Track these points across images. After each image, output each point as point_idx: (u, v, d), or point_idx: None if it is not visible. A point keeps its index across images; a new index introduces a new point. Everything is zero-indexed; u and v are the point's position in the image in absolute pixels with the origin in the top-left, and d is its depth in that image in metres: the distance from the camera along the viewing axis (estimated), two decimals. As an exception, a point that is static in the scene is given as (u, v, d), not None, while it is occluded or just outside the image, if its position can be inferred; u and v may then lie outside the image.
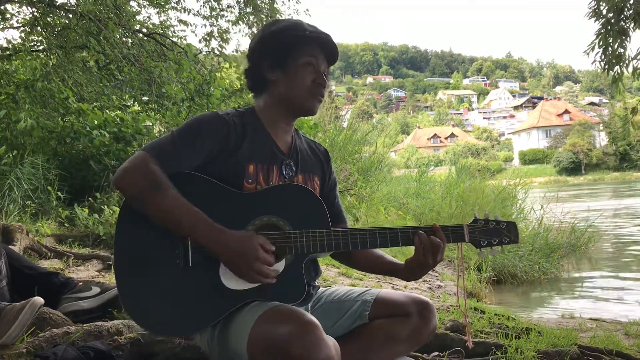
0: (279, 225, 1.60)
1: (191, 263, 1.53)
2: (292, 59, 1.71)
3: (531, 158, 67.18)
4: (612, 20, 5.44)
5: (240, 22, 9.27)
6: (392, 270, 1.79)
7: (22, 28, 8.85)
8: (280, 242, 1.58)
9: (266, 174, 1.69)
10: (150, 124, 7.20)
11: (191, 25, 9.61)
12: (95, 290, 2.47)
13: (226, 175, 1.62)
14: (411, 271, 1.71)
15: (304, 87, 1.71)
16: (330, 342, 1.38)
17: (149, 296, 1.54)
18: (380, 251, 1.85)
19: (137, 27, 8.97)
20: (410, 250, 1.71)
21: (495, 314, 3.49)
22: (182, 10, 9.34)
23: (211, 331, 1.58)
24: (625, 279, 7.05)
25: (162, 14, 9.73)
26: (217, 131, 1.64)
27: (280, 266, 1.57)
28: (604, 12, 5.50)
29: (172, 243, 1.54)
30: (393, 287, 5.04)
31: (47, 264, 3.53)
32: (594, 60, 5.67)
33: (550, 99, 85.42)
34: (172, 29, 9.87)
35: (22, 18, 8.83)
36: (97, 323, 2.20)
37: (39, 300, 2.07)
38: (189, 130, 1.63)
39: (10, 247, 3.25)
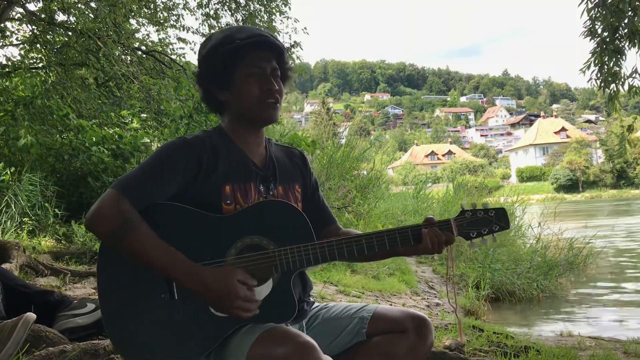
0: (262, 245, 1.57)
1: (177, 296, 1.50)
2: (233, 75, 1.66)
3: (528, 175, 67.29)
4: (607, 39, 5.50)
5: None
6: (390, 252, 1.75)
7: (21, 45, 8.91)
8: (265, 262, 1.54)
9: (244, 193, 1.65)
10: (149, 140, 7.22)
11: (190, 43, 9.66)
12: (90, 306, 2.46)
13: (203, 199, 1.58)
14: (411, 253, 1.72)
15: (253, 99, 1.66)
16: (328, 361, 1.37)
17: (138, 332, 1.51)
18: None
19: (136, 44, 9.03)
20: None
21: (494, 332, 3.48)
22: (181, 29, 9.42)
23: (206, 358, 1.55)
24: (624, 296, 7.03)
25: (162, 32, 9.81)
26: (187, 157, 1.59)
27: (268, 286, 1.54)
28: (599, 31, 5.57)
29: (156, 277, 1.51)
30: (391, 305, 5.02)
31: (43, 281, 3.52)
32: (590, 79, 5.73)
33: (547, 117, 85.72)
34: (171, 46, 9.95)
35: (22, 35, 8.90)
36: (94, 341, 2.18)
37: (32, 315, 2.06)
38: (158, 160, 1.58)
39: (5, 265, 3.24)
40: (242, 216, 1.59)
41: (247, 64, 1.66)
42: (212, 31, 9.14)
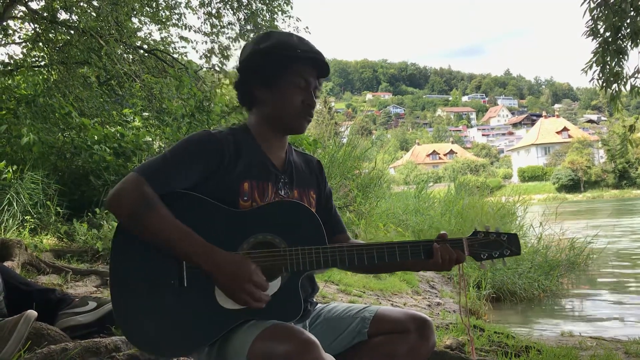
0: (274, 243, 1.59)
1: (186, 283, 1.52)
2: (282, 79, 1.68)
3: (530, 175, 67.18)
4: (610, 39, 5.48)
5: (240, 39, 9.37)
6: (399, 265, 1.79)
7: (24, 44, 8.91)
8: (276, 260, 1.56)
9: (261, 191, 1.68)
10: (151, 139, 7.23)
11: (192, 42, 9.70)
12: (92, 304, 2.46)
13: (221, 193, 1.61)
14: (420, 267, 1.76)
15: (292, 108, 1.69)
16: (330, 360, 1.37)
17: (145, 316, 1.53)
18: None
19: (139, 43, 9.04)
20: None
21: (495, 332, 3.48)
22: (184, 27, 9.43)
23: (209, 350, 1.57)
24: (625, 296, 7.02)
25: (164, 31, 9.82)
26: (210, 150, 1.62)
27: (276, 285, 1.56)
28: (601, 31, 5.55)
29: (167, 263, 1.53)
30: (392, 304, 5.02)
31: (45, 280, 3.52)
32: (592, 79, 5.70)
33: (549, 116, 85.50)
34: (173, 45, 9.97)
35: (24, 34, 8.90)
36: (95, 339, 2.18)
37: (33, 313, 2.06)
38: (181, 150, 1.62)
39: (7, 263, 3.24)
40: (258, 213, 1.62)
41: (298, 75, 1.69)
42: (214, 30, 9.17)
